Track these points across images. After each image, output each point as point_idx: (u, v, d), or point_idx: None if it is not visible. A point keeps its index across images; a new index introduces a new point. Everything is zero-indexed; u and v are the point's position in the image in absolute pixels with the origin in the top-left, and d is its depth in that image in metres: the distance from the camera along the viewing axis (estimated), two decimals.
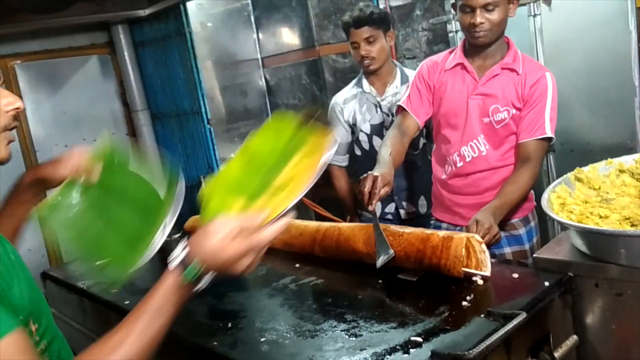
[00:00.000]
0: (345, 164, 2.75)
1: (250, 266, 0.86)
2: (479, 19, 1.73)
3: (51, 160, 1.13)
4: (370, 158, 2.54)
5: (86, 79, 3.10)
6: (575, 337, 1.38)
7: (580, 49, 2.94)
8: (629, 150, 2.79)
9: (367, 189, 1.55)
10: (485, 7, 1.74)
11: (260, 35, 3.70)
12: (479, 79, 1.87)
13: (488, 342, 1.08)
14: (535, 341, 1.27)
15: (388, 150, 1.80)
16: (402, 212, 2.57)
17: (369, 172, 1.61)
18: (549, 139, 1.80)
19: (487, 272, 1.35)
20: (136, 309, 0.84)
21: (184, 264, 0.84)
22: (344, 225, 1.65)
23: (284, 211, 0.86)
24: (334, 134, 0.89)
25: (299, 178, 0.86)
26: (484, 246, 1.37)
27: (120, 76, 2.91)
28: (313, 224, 1.74)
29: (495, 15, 1.75)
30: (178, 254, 0.85)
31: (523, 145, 1.78)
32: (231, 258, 0.83)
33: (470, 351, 1.05)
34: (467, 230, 1.50)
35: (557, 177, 1.59)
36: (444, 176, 1.98)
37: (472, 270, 1.36)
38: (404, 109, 2.00)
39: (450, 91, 1.92)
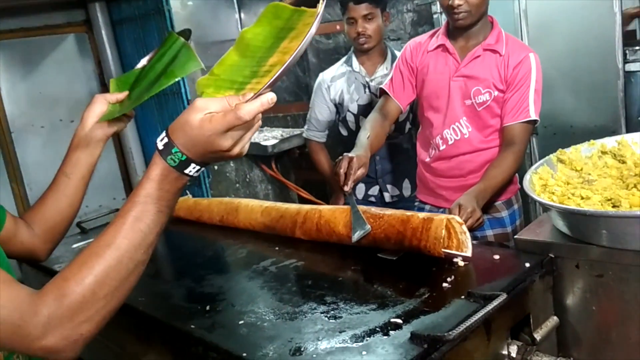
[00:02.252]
0: (323, 140, 2.73)
1: (235, 147, 0.80)
2: (457, 1, 1.70)
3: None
4: (356, 137, 2.53)
5: (63, 59, 3.02)
6: (555, 318, 1.38)
7: (565, 31, 2.94)
8: (612, 132, 2.79)
9: (342, 170, 1.55)
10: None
11: (243, 15, 3.63)
12: (460, 61, 1.85)
13: (468, 323, 1.06)
14: (515, 322, 1.27)
15: (367, 134, 1.80)
16: (386, 195, 2.56)
17: (345, 154, 1.61)
18: (534, 122, 1.78)
19: (468, 253, 1.34)
20: (127, 201, 0.80)
21: (168, 148, 0.79)
22: (325, 207, 1.63)
23: (264, 87, 0.80)
24: (320, 8, 0.84)
25: (284, 60, 0.81)
26: (464, 227, 1.36)
27: (98, 55, 2.84)
28: (294, 207, 1.71)
29: None
30: (161, 139, 0.80)
31: (507, 129, 1.77)
32: (212, 137, 0.76)
33: (450, 332, 1.04)
34: (450, 214, 1.49)
35: (540, 159, 1.59)
36: (427, 159, 1.98)
37: (453, 251, 1.34)
38: (386, 92, 1.98)
39: (432, 73, 1.91)
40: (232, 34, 3.61)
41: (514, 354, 1.23)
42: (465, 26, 1.80)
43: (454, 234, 1.36)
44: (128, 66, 2.82)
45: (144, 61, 1.24)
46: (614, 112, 2.83)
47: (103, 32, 2.78)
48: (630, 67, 3.28)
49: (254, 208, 1.81)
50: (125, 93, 1.21)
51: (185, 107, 2.60)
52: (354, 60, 2.55)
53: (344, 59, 2.66)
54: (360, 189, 2.55)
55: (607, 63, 2.80)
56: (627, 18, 3.02)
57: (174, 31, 1.17)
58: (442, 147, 1.91)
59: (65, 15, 2.92)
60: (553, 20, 2.96)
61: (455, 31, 1.87)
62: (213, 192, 3.09)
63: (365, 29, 2.34)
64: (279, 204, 1.80)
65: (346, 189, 1.53)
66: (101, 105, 1.20)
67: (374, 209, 1.49)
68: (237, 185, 3.52)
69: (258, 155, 3.48)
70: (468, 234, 1.36)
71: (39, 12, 3.09)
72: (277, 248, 1.70)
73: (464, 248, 1.34)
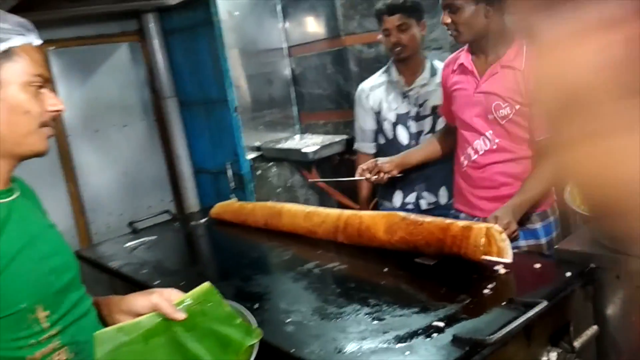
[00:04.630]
0: (372, 151, 2.77)
1: None
2: (444, 19, 1.81)
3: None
4: (392, 147, 2.57)
5: (116, 66, 3.17)
6: (595, 327, 1.40)
7: None
8: None
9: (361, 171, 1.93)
10: (450, 8, 1.80)
11: (287, 25, 3.72)
12: (480, 78, 1.90)
13: (508, 328, 1.10)
14: (555, 330, 1.29)
15: (416, 147, 2.11)
16: (422, 202, 2.59)
17: (372, 160, 1.96)
18: None
19: (508, 259, 1.37)
20: None
21: None
22: (365, 213, 1.69)
23: None
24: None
25: None
26: (504, 236, 1.39)
27: (150, 64, 2.97)
28: (335, 212, 1.77)
29: (460, 17, 1.80)
30: None
31: (540, 143, 1.80)
32: None
33: (491, 336, 1.08)
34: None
35: None
36: (462, 168, 2.02)
37: (493, 258, 1.38)
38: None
39: (458, 90, 1.99)
40: (276, 43, 3.71)
41: None
42: (462, 42, 1.87)
43: (493, 241, 1.39)
44: (178, 75, 2.94)
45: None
46: None
47: (155, 41, 2.91)
48: None
49: (297, 213, 1.88)
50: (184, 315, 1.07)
51: (231, 115, 2.70)
52: (393, 69, 2.59)
53: (383, 68, 2.70)
54: (398, 196, 2.59)
55: None
56: None
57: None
58: (473, 157, 1.95)
59: (119, 25, 3.06)
60: None
61: (474, 47, 1.92)
62: (256, 195, 3.18)
63: (399, 39, 2.38)
64: (321, 209, 1.86)
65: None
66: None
67: (413, 216, 1.54)
68: (279, 190, 3.61)
69: (299, 161, 3.55)
70: (508, 241, 1.39)
71: (94, 22, 3.25)
72: (319, 251, 1.76)
73: (504, 255, 1.38)
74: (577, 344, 1.33)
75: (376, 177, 2.05)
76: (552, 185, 1.82)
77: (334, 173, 3.62)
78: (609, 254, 1.36)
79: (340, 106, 3.51)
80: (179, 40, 2.86)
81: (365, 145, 2.79)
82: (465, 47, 1.98)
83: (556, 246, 1.47)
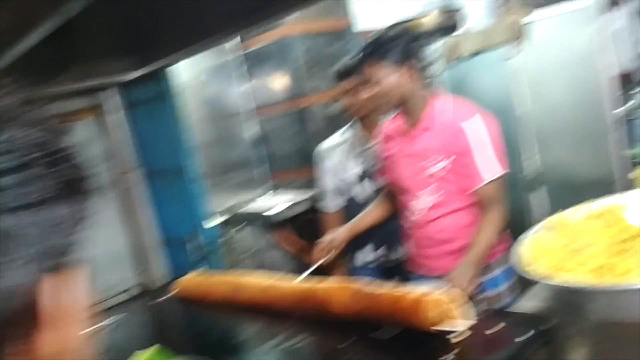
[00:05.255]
0: (335, 209, 2.78)
1: None
2: (365, 94, 1.94)
3: None
4: (353, 206, 2.58)
5: (77, 143, 3.15)
6: None
7: (558, 87, 3.02)
8: (610, 184, 2.82)
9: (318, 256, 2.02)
10: (371, 82, 1.89)
11: (251, 86, 3.78)
12: (406, 141, 1.98)
13: None
14: None
15: (361, 214, 2.21)
16: (392, 255, 2.59)
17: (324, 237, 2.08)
18: (502, 176, 1.85)
19: (463, 327, 1.37)
20: None
21: None
22: (320, 287, 1.67)
23: None
24: None
25: None
26: (454, 304, 1.39)
27: (111, 138, 2.97)
28: (290, 288, 1.76)
29: (381, 88, 1.88)
30: None
31: (478, 192, 1.84)
32: None
33: None
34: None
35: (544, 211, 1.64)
36: (407, 231, 2.07)
37: (446, 328, 1.37)
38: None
39: (389, 156, 2.07)
40: (241, 105, 3.76)
41: None
42: (384, 113, 1.99)
43: (446, 309, 1.39)
44: (142, 145, 2.96)
45: None
46: (609, 163, 2.87)
47: (115, 115, 2.93)
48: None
49: (255, 287, 1.86)
50: None
51: (194, 184, 2.70)
52: (355, 127, 2.62)
53: (344, 127, 2.73)
54: (366, 252, 2.59)
55: (597, 117, 2.87)
56: None
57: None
58: (412, 218, 2.00)
59: (78, 102, 3.05)
60: (546, 78, 3.05)
61: (401, 113, 1.99)
62: (226, 260, 3.15)
63: (354, 101, 2.43)
64: (279, 282, 1.84)
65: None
66: None
67: (367, 288, 1.54)
68: (249, 253, 3.57)
69: (265, 223, 3.54)
70: (461, 308, 1.38)
71: (52, 101, 3.24)
72: (282, 326, 1.74)
73: (458, 324, 1.37)
74: None
75: (328, 257, 2.11)
76: (500, 229, 1.84)
77: (305, 230, 3.61)
78: (564, 315, 1.37)
79: (303, 164, 3.54)
80: (140, 112, 2.89)
81: (328, 204, 2.80)
82: (394, 114, 2.05)
83: (513, 308, 1.47)
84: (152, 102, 2.89)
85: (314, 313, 1.63)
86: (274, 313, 1.80)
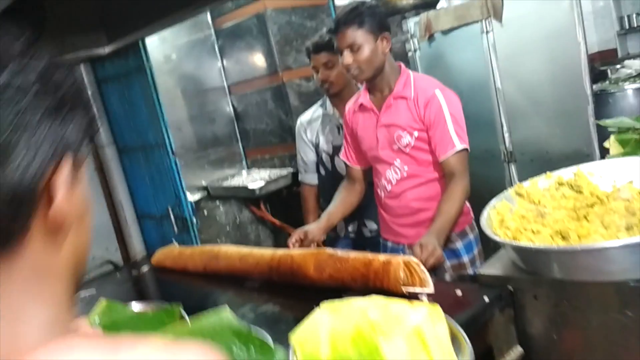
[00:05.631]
0: (315, 182, 2.82)
1: None
2: (346, 60, 1.89)
3: None
4: (332, 178, 2.62)
5: None
6: (519, 348, 1.44)
7: (534, 62, 3.05)
8: (586, 156, 2.88)
9: (294, 241, 1.96)
10: (351, 48, 1.90)
11: (225, 63, 3.76)
12: (379, 112, 2.00)
13: None
14: (478, 356, 1.32)
15: (332, 205, 2.19)
16: (365, 230, 2.64)
17: (300, 228, 2.04)
18: (465, 149, 1.90)
19: (430, 290, 1.40)
20: None
21: None
22: (296, 252, 1.71)
23: None
24: None
25: None
26: (422, 267, 1.43)
27: None
28: (268, 253, 1.78)
29: (361, 55, 1.89)
30: None
31: (444, 164, 1.90)
32: None
33: None
34: (413, 254, 1.57)
35: None
36: (382, 200, 2.10)
37: (415, 289, 1.41)
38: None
39: (362, 129, 2.10)
40: (216, 82, 3.74)
41: None
42: (367, 80, 1.97)
43: (414, 272, 1.42)
44: (115, 122, 2.93)
45: None
46: (587, 137, 2.92)
47: (88, 91, 2.90)
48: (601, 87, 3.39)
49: (232, 255, 1.88)
50: None
51: (170, 159, 2.69)
52: (328, 103, 2.65)
53: (319, 102, 2.76)
54: (340, 225, 2.62)
55: (576, 90, 2.90)
56: None
57: None
58: (389, 187, 2.05)
59: None
60: (522, 52, 3.08)
61: (369, 85, 2.03)
62: (203, 236, 3.16)
63: (326, 76, 2.44)
64: (255, 250, 1.87)
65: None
66: None
67: (340, 253, 1.57)
68: (228, 228, 3.59)
69: (246, 197, 3.56)
70: (427, 272, 1.43)
71: None
72: (255, 294, 1.77)
73: (426, 285, 1.41)
74: None
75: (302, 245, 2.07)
76: (465, 199, 1.89)
77: (282, 206, 3.64)
78: (525, 276, 1.41)
79: (284, 140, 3.55)
80: (113, 87, 2.85)
81: (308, 177, 2.83)
82: (362, 88, 2.07)
83: (477, 271, 1.51)
84: (124, 77, 2.86)
85: (289, 278, 1.66)
86: (250, 280, 1.83)
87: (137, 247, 3.03)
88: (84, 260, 0.60)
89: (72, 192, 0.54)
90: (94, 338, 0.57)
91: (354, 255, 1.53)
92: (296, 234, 1.96)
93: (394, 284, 1.40)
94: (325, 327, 1.10)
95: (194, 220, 2.75)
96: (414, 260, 1.43)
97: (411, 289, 1.41)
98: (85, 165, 0.58)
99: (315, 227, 2.03)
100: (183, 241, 2.77)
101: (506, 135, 3.25)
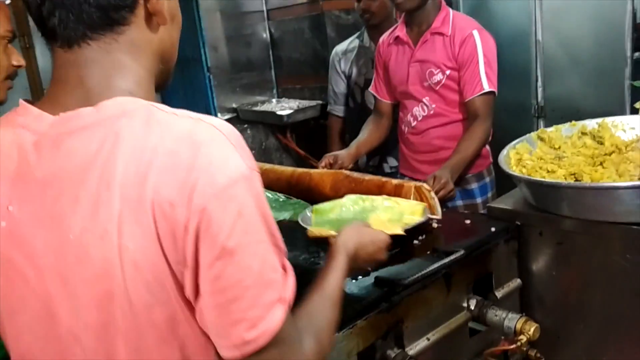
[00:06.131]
0: (342, 114, 2.86)
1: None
2: (362, 6, 1.88)
3: None
4: (360, 111, 2.65)
5: None
6: (518, 280, 1.51)
7: (577, 18, 2.98)
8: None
9: (323, 164, 1.96)
10: None
11: None
12: (414, 47, 2.00)
13: (423, 272, 1.21)
14: (475, 279, 1.40)
15: (361, 136, 2.20)
16: (385, 166, 2.70)
17: (331, 153, 2.06)
18: (492, 92, 1.92)
19: (439, 216, 1.47)
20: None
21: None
22: (315, 171, 1.78)
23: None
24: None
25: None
26: (432, 194, 1.49)
27: None
28: (288, 170, 1.85)
29: None
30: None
31: (468, 104, 1.92)
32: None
33: (407, 279, 1.19)
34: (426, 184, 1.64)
35: None
36: (404, 135, 2.14)
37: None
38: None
39: (394, 62, 2.11)
40: (256, 6, 3.73)
41: (472, 307, 1.37)
42: (411, 10, 1.96)
43: (425, 199, 1.49)
44: None
45: None
46: (620, 99, 2.88)
47: None
48: None
49: None
50: None
51: (204, 75, 2.76)
52: (365, 35, 2.66)
53: (357, 33, 2.76)
54: (362, 159, 2.68)
55: (615, 50, 2.84)
56: None
57: None
58: (413, 123, 2.08)
59: None
60: (567, 6, 3.00)
61: (408, 18, 2.03)
62: None
63: (368, 6, 2.44)
64: (277, 166, 1.94)
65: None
66: None
67: (356, 174, 1.63)
68: (253, 152, 3.66)
69: (274, 124, 3.62)
70: (437, 199, 1.49)
71: None
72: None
73: (435, 211, 1.48)
74: (498, 294, 1.44)
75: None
76: (485, 142, 1.93)
77: (308, 137, 3.70)
78: (534, 212, 1.47)
79: (316, 71, 3.56)
80: None
81: (337, 108, 2.87)
82: (400, 21, 2.08)
83: (488, 204, 1.57)
84: None
85: (306, 195, 1.74)
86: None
87: None
88: (169, 61, 0.82)
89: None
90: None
91: (368, 177, 1.60)
92: (326, 158, 1.98)
93: None
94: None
95: None
96: (425, 186, 1.49)
97: None
98: None
99: (345, 153, 2.06)
100: None
101: (539, 89, 3.22)
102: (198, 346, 0.72)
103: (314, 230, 1.37)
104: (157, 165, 0.65)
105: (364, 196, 1.48)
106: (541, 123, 3.27)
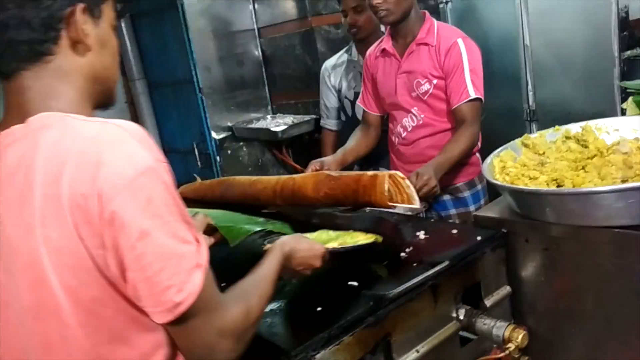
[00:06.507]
0: (335, 128, 2.89)
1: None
2: (376, 0, 1.90)
3: None
4: (352, 124, 2.67)
5: None
6: (508, 288, 1.52)
7: (564, 21, 3.00)
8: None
9: (309, 171, 1.94)
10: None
11: (257, 6, 3.79)
12: (400, 58, 2.03)
13: (408, 284, 1.22)
14: (464, 289, 1.41)
15: (349, 144, 2.21)
16: None
17: (318, 159, 2.04)
18: (478, 99, 1.94)
19: (417, 205, 1.48)
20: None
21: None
22: (298, 175, 1.77)
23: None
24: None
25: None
26: (407, 182, 1.50)
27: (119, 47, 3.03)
28: (274, 178, 1.84)
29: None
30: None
31: (455, 111, 1.94)
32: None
33: (391, 291, 1.20)
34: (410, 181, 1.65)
35: None
36: (395, 147, 2.16)
37: (401, 205, 1.49)
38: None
39: (382, 74, 2.13)
40: (247, 25, 3.77)
41: (461, 317, 1.38)
42: (394, 23, 1.98)
43: (401, 189, 1.50)
44: (146, 57, 3.03)
45: None
46: (610, 100, 2.89)
47: (123, 24, 3.00)
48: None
49: (244, 182, 1.98)
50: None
51: (197, 96, 2.79)
52: (354, 49, 2.68)
53: (345, 47, 2.79)
54: (355, 170, 2.69)
55: (603, 51, 2.86)
56: None
57: None
58: (403, 134, 2.10)
59: None
60: (553, 9, 3.02)
61: (393, 31, 2.06)
62: (226, 175, 3.29)
63: (355, 20, 2.46)
64: (264, 177, 1.94)
65: None
66: None
67: (335, 172, 1.65)
68: (250, 169, 3.71)
69: (269, 140, 3.65)
70: (412, 188, 1.50)
71: None
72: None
73: (413, 201, 1.49)
74: (487, 302, 1.45)
75: None
76: (471, 146, 1.93)
77: (304, 151, 3.73)
78: (518, 220, 1.48)
79: (309, 87, 3.59)
80: (146, 23, 2.94)
81: (329, 122, 2.90)
82: (386, 33, 2.11)
83: (474, 213, 1.58)
84: (157, 14, 2.94)
85: (291, 200, 1.73)
86: (260, 205, 1.92)
87: None
88: (106, 82, 0.91)
89: (93, 23, 0.86)
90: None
91: (346, 173, 1.61)
92: (312, 165, 1.99)
93: (380, 197, 1.46)
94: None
95: (217, 157, 2.87)
96: (399, 174, 1.50)
97: (398, 204, 1.48)
98: (112, 11, 0.89)
99: (331, 159, 2.06)
100: (206, 177, 2.88)
101: (530, 93, 3.24)
102: (128, 321, 0.83)
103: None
104: (70, 164, 0.76)
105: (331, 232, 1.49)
106: (534, 126, 3.28)
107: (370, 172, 1.53)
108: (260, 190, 1.84)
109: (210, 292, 0.83)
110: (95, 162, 0.76)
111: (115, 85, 0.95)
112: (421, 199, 1.58)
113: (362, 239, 1.42)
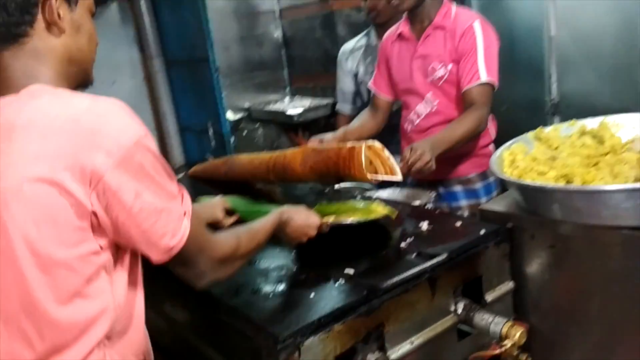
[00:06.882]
0: (350, 112, 2.85)
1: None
2: (369, 4, 1.85)
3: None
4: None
5: (106, 25, 3.22)
6: (511, 283, 1.49)
7: (592, 13, 2.90)
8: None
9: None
10: None
11: None
12: (417, 42, 2.00)
13: (404, 275, 1.20)
14: (464, 282, 1.38)
15: (353, 123, 2.21)
16: None
17: (318, 135, 2.02)
18: (490, 84, 1.88)
19: (398, 178, 1.46)
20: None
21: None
22: (289, 150, 1.75)
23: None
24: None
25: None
26: (387, 152, 1.47)
27: (138, 23, 3.03)
28: (268, 154, 1.81)
29: None
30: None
31: (465, 94, 1.89)
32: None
33: (385, 282, 1.18)
34: (404, 155, 1.65)
35: None
36: (407, 134, 2.12)
37: (381, 177, 1.46)
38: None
39: (397, 59, 2.09)
40: (268, 6, 3.73)
41: (459, 310, 1.35)
42: (410, 8, 1.94)
43: (382, 160, 1.47)
44: (165, 34, 3.02)
45: None
46: (636, 95, 2.80)
47: (142, 2, 3.00)
48: None
49: (243, 160, 1.96)
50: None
51: (212, 74, 2.78)
52: (372, 33, 2.64)
53: (365, 31, 2.75)
54: None
55: (631, 46, 2.76)
56: None
57: None
58: (416, 121, 2.05)
59: None
60: (582, 1, 2.93)
61: (410, 15, 2.01)
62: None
63: (374, 5, 2.42)
64: (262, 154, 1.92)
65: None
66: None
67: (317, 146, 1.64)
68: (265, 150, 3.69)
69: (285, 123, 3.63)
70: (393, 158, 1.48)
71: None
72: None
73: (394, 172, 1.46)
74: (488, 297, 1.42)
75: None
76: (476, 129, 1.87)
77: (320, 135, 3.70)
78: (525, 215, 1.44)
79: (328, 70, 3.55)
80: (165, 1, 2.93)
81: (345, 107, 2.87)
82: (404, 18, 2.06)
83: (480, 206, 1.55)
84: None
85: (282, 175, 1.72)
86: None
87: (178, 157, 3.19)
88: (81, 64, 0.98)
89: (69, 8, 0.93)
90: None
91: (328, 146, 1.58)
92: (312, 141, 1.97)
93: (358, 169, 1.43)
94: None
95: (231, 137, 2.86)
96: (377, 144, 1.46)
97: (378, 177, 1.46)
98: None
99: (331, 137, 2.04)
100: (219, 156, 2.89)
101: (554, 86, 3.15)
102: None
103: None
104: (62, 129, 0.83)
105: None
106: (556, 120, 3.20)
107: (349, 143, 1.50)
108: (256, 166, 1.82)
109: (199, 231, 0.98)
110: (89, 130, 0.84)
111: (91, 66, 1.02)
112: (415, 174, 1.55)
113: (379, 211, 1.44)
